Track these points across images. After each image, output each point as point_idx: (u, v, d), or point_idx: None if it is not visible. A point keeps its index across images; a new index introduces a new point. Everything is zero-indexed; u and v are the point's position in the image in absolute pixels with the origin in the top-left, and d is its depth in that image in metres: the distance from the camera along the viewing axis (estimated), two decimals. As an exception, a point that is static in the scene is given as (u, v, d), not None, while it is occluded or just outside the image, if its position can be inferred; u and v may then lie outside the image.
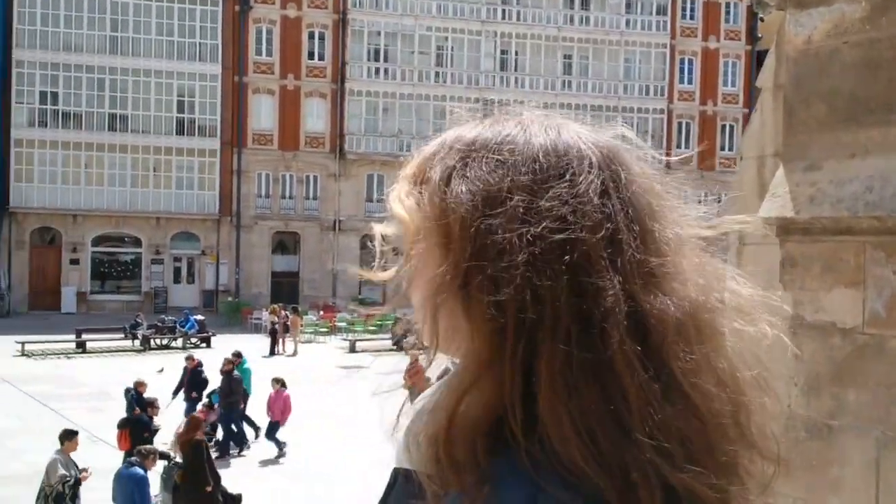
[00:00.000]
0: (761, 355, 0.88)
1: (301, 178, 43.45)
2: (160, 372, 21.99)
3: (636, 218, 0.84)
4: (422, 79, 44.35)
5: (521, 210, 0.80)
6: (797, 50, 3.11)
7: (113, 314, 37.30)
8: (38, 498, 11.19)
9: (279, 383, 17.27)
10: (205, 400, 17.43)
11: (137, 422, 13.70)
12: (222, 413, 16.86)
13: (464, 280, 0.81)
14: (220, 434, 17.13)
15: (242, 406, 17.50)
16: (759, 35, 47.33)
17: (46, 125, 39.67)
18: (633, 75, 47.11)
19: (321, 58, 43.67)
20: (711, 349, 0.83)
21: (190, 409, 17.64)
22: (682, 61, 48.12)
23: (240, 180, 42.08)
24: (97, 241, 41.23)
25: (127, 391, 16.13)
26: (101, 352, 29.09)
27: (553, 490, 0.75)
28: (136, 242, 41.77)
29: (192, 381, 18.62)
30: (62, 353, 27.85)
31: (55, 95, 39.85)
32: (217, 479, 11.99)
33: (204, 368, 18.96)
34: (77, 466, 11.28)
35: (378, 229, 0.91)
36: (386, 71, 44.06)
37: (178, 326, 31.87)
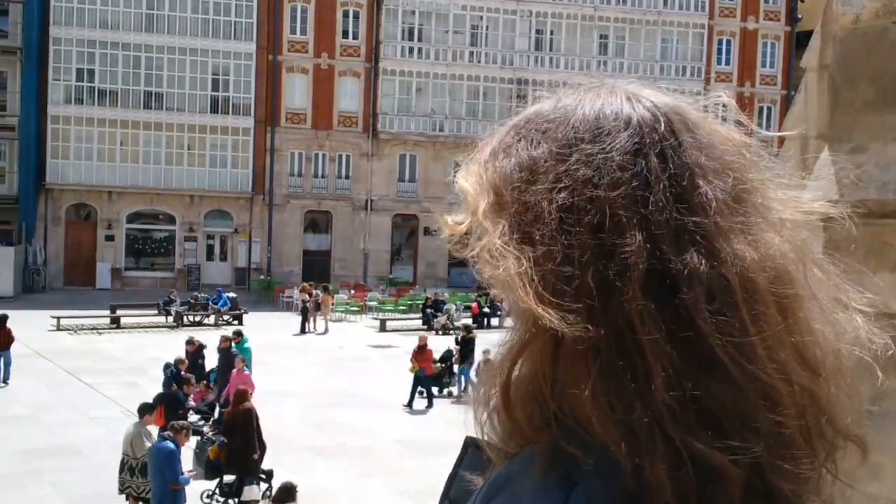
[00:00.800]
0: (842, 346, 0.84)
1: (334, 157, 43.52)
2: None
3: (682, 176, 0.83)
4: (456, 58, 44.15)
5: (552, 176, 0.83)
6: (844, 29, 3.01)
7: (147, 290, 37.71)
8: (121, 470, 11.30)
9: (242, 362, 16.64)
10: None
11: (173, 398, 13.80)
12: (219, 391, 16.60)
13: (518, 235, 0.83)
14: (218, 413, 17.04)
15: None
16: (800, 16, 46.61)
17: (83, 102, 40.01)
18: (670, 56, 46.59)
19: (355, 37, 43.62)
20: (768, 314, 0.80)
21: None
22: (720, 42, 47.52)
23: (273, 159, 42.23)
24: (132, 217, 41.63)
25: (166, 367, 16.19)
26: (135, 328, 29.42)
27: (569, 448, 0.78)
28: (170, 220, 42.11)
29: (191, 366, 18.05)
30: (96, 329, 28.18)
31: (91, 73, 40.15)
32: (263, 448, 12.08)
33: (205, 353, 18.54)
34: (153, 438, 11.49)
35: (448, 218, 0.94)
36: (420, 50, 43.91)
37: (210, 303, 32.14)
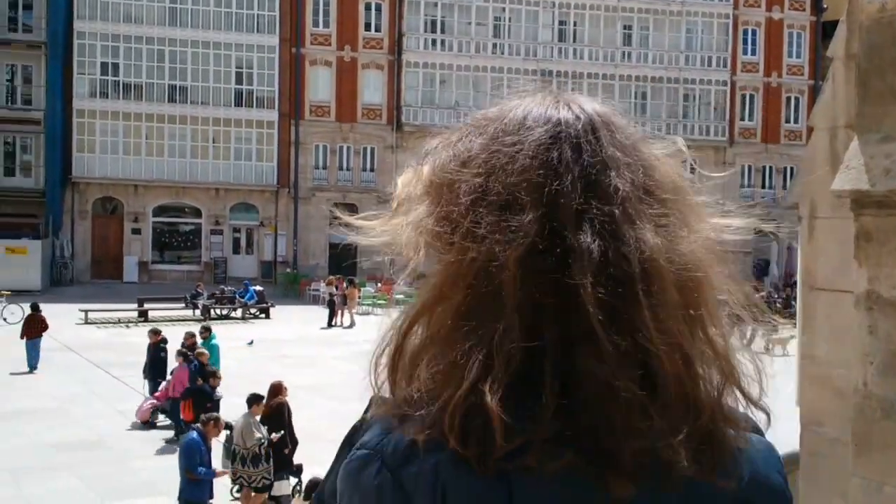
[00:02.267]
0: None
1: (358, 149, 43.55)
2: (250, 344, 21.90)
3: (593, 166, 0.94)
4: (479, 50, 44.02)
5: (475, 164, 0.96)
6: (871, 18, 2.96)
7: (173, 283, 37.95)
8: (232, 460, 11.36)
9: (182, 356, 15.90)
10: (168, 377, 16.39)
11: (200, 392, 13.84)
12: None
13: (441, 217, 0.96)
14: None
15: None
16: (825, 6, 46.05)
17: (108, 96, 40.27)
18: (695, 46, 46.19)
19: (378, 29, 43.59)
20: (666, 295, 0.91)
21: (153, 388, 17.01)
22: (745, 32, 47.05)
23: (297, 152, 42.34)
24: (158, 211, 41.91)
25: (188, 359, 16.13)
26: (162, 321, 29.59)
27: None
28: (196, 213, 42.35)
29: (152, 359, 17.57)
30: (124, 322, 28.38)
31: (116, 66, 40.40)
32: (295, 443, 12.07)
33: (167, 345, 17.74)
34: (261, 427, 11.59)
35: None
36: (443, 42, 43.82)
37: (237, 297, 32.28)
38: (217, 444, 12.06)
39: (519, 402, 0.87)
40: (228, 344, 20.54)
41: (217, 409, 13.37)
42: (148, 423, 15.97)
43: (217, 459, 11.93)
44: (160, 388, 16.49)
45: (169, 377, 16.29)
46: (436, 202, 0.98)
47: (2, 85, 40.43)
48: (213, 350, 17.54)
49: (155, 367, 17.40)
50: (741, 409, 0.98)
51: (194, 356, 16.08)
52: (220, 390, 14.76)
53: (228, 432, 12.87)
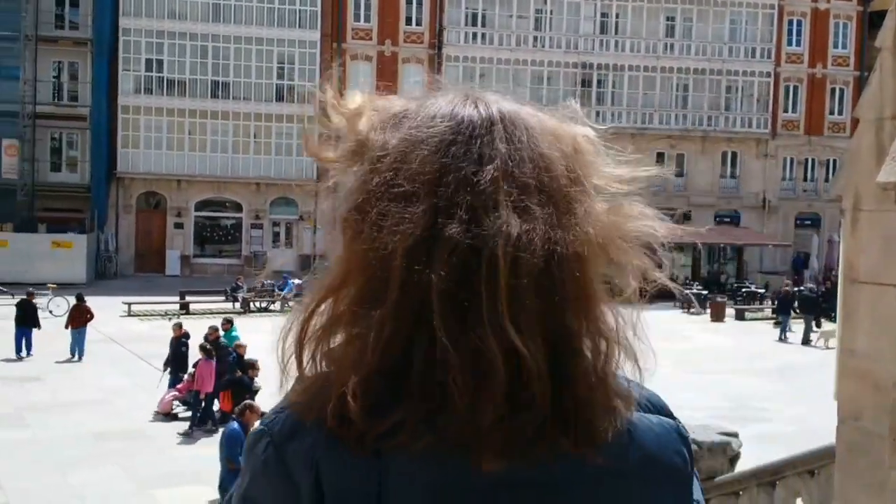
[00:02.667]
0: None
1: (397, 144, 43.60)
2: None
3: (477, 164, 0.98)
4: (520, 43, 43.85)
5: (390, 157, 1.00)
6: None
7: (214, 277, 38.33)
8: None
9: (204, 352, 15.94)
10: (191, 370, 16.53)
11: (239, 383, 13.95)
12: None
13: (355, 205, 1.01)
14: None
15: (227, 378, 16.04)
16: (874, -5, 45.21)
17: (152, 92, 40.73)
18: (739, 37, 45.60)
19: (419, 23, 43.60)
20: (523, 284, 0.94)
21: (174, 381, 17.15)
22: (790, 22, 46.35)
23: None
24: (200, 205, 42.33)
25: (206, 350, 16.15)
26: (204, 313, 29.91)
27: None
28: (237, 207, 42.71)
29: (174, 352, 17.74)
30: (166, 314, 28.71)
31: (160, 63, 40.84)
32: None
33: (189, 340, 17.88)
34: None
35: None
36: (483, 36, 43.71)
37: (276, 290, 32.50)
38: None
39: (394, 386, 0.93)
40: (268, 337, 20.61)
41: (254, 399, 13.45)
42: (169, 415, 16.10)
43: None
44: (183, 381, 16.64)
45: (191, 369, 16.45)
46: (357, 185, 1.02)
47: (49, 82, 41.04)
48: (232, 341, 17.73)
49: (177, 360, 17.59)
50: (647, 389, 1.07)
51: (233, 349, 16.21)
52: (258, 381, 14.86)
53: None
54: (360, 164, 1.03)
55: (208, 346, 15.95)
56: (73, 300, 24.87)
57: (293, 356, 1.01)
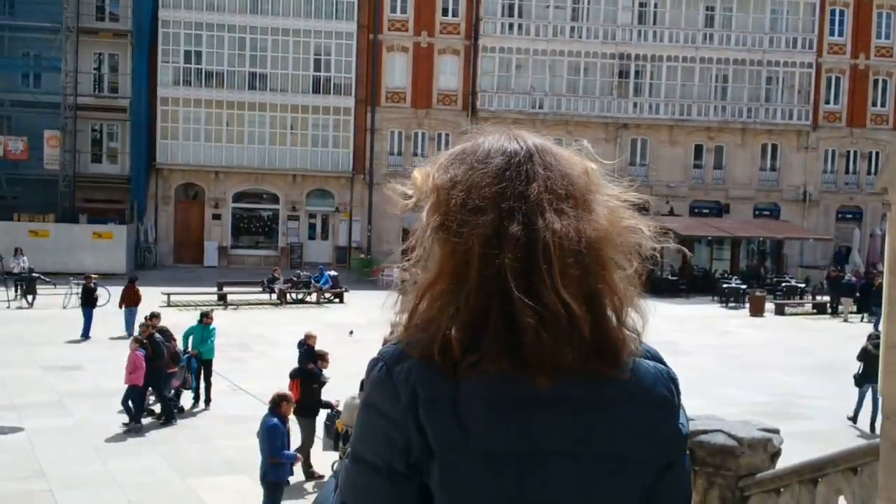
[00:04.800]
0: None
1: (433, 136, 43.59)
2: (351, 335, 22.07)
3: (527, 181, 1.44)
4: (557, 34, 43.61)
5: (461, 184, 1.45)
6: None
7: (251, 268, 38.63)
8: (345, 440, 11.50)
9: (138, 344, 15.37)
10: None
11: (308, 373, 13.86)
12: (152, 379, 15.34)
13: (439, 224, 1.44)
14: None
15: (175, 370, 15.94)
16: (919, -17, 44.35)
17: (190, 84, 41.06)
18: (780, 27, 44.99)
19: (455, 14, 43.50)
20: (567, 265, 1.39)
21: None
22: (832, 12, 45.64)
23: (373, 138, 42.58)
24: (237, 197, 42.65)
25: (299, 344, 16.22)
26: (241, 304, 30.17)
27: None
28: (274, 199, 42.97)
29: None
30: (204, 305, 28.97)
31: (199, 55, 41.15)
32: None
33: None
34: None
35: (399, 188, 1.57)
36: (520, 26, 43.52)
37: (312, 281, 32.68)
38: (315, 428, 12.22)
39: (478, 334, 1.37)
40: (302, 329, 20.76)
41: (321, 390, 13.45)
42: (147, 411, 15.95)
43: (297, 439, 12.12)
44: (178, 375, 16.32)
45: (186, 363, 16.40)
46: (435, 210, 1.45)
47: (90, 73, 41.52)
48: (211, 333, 17.34)
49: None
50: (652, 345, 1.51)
51: (304, 339, 15.98)
52: (326, 373, 14.71)
53: (330, 411, 13.02)
54: (433, 196, 1.47)
55: (143, 340, 15.47)
56: (113, 290, 25.33)
57: (407, 318, 1.46)
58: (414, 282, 1.47)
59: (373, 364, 1.45)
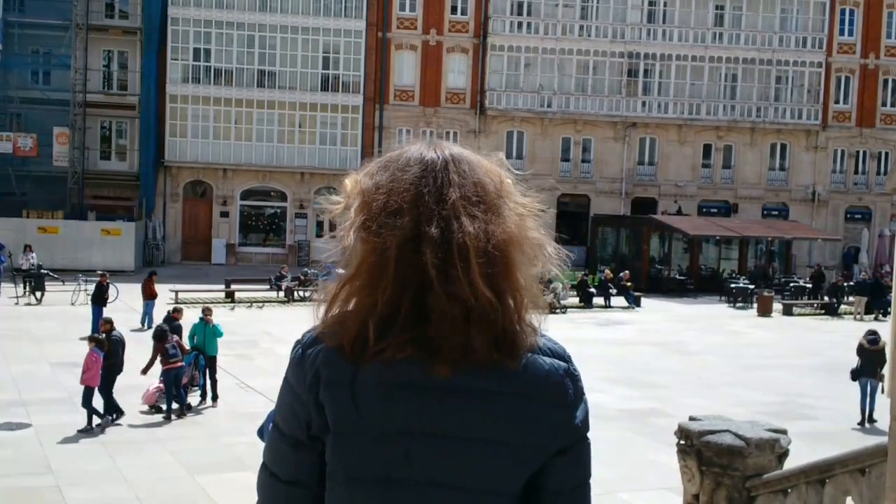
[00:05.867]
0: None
1: (441, 134, 43.52)
2: None
3: (443, 187, 1.57)
4: (565, 32, 43.57)
5: (383, 189, 1.59)
6: None
7: (259, 265, 38.68)
8: None
9: (95, 343, 14.86)
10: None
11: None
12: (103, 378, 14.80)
13: (361, 224, 1.59)
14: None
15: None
16: (930, -18, 44.17)
17: (199, 81, 41.14)
18: (790, 26, 44.87)
19: (464, 12, 43.50)
20: (473, 255, 1.53)
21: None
22: (842, 11, 45.52)
23: (381, 136, 42.60)
24: (245, 194, 42.72)
25: (98, 341, 15.80)
26: (248, 302, 30.21)
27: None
28: (282, 196, 43.03)
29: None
30: (212, 302, 29.02)
31: (208, 52, 41.23)
32: None
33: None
34: None
35: (332, 199, 1.70)
36: (528, 25, 43.49)
37: (320, 279, 32.66)
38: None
39: (389, 326, 1.53)
40: (308, 327, 20.78)
41: None
42: (154, 407, 16.01)
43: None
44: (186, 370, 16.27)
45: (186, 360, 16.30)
46: (360, 212, 1.60)
47: (99, 70, 41.64)
48: (217, 334, 17.31)
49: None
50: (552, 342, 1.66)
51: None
52: None
53: None
54: (359, 199, 1.61)
55: (101, 338, 15.01)
56: (121, 287, 25.44)
57: (325, 310, 1.63)
58: (336, 277, 1.63)
59: (294, 346, 1.66)
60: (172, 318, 17.82)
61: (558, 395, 1.60)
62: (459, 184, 1.58)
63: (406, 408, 1.54)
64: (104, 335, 15.21)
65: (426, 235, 1.52)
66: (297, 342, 1.65)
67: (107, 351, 14.83)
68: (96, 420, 14.49)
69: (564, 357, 1.64)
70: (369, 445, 1.55)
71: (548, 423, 1.59)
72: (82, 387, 14.52)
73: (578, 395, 1.63)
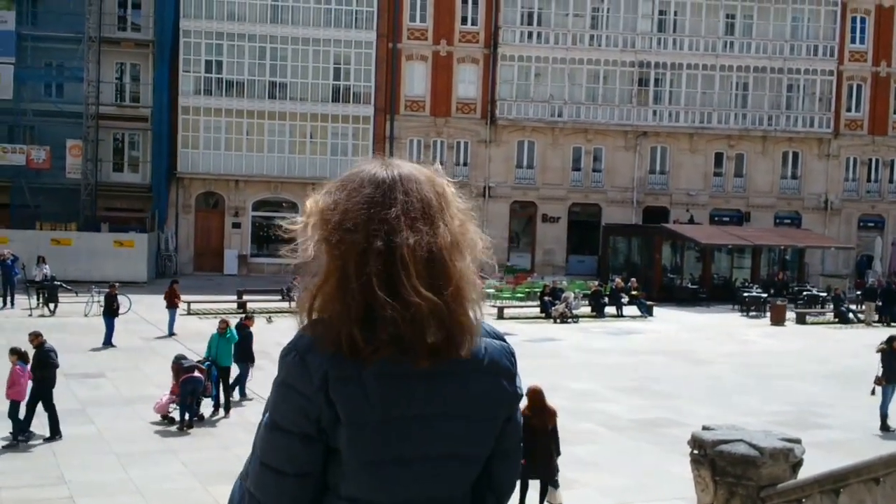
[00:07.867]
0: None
1: (452, 144, 43.66)
2: (270, 321, 22.52)
3: (391, 205, 1.76)
4: (576, 42, 43.61)
5: (340, 207, 1.78)
6: None
7: (271, 276, 38.73)
8: None
9: (18, 356, 14.43)
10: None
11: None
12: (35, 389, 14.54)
13: (322, 238, 1.78)
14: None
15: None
16: (942, -11, 44.04)
17: (211, 93, 41.30)
18: (801, 35, 44.80)
19: (474, 23, 43.59)
20: (418, 269, 1.73)
21: (243, 369, 17.74)
22: (853, 20, 45.43)
23: (392, 147, 42.65)
24: (257, 205, 42.82)
25: (21, 354, 15.63)
26: (261, 313, 30.23)
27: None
28: (293, 207, 43.09)
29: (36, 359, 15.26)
30: (225, 313, 29.07)
31: (220, 64, 41.41)
32: (559, 452, 11.68)
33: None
34: None
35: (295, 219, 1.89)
36: (539, 35, 43.54)
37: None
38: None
39: (372, 328, 1.72)
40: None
41: None
42: (166, 418, 16.02)
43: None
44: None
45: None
46: (320, 228, 1.79)
47: (111, 83, 41.86)
48: (231, 343, 17.56)
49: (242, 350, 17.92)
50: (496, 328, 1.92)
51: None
52: None
53: None
54: (318, 216, 1.80)
55: (23, 351, 14.55)
56: (134, 298, 25.52)
57: (306, 314, 1.81)
58: (304, 286, 1.83)
59: (286, 352, 1.80)
60: (244, 326, 18.40)
61: (508, 370, 1.88)
62: (404, 201, 1.77)
63: (404, 394, 1.76)
64: (36, 348, 14.76)
65: (372, 248, 1.72)
66: (291, 349, 1.80)
67: (33, 365, 14.42)
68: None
69: (501, 336, 1.92)
70: (379, 430, 1.75)
71: (505, 394, 1.87)
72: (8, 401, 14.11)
73: (516, 367, 1.91)
